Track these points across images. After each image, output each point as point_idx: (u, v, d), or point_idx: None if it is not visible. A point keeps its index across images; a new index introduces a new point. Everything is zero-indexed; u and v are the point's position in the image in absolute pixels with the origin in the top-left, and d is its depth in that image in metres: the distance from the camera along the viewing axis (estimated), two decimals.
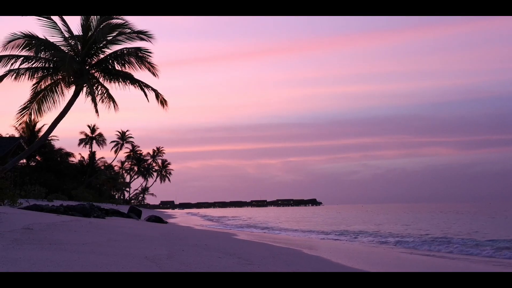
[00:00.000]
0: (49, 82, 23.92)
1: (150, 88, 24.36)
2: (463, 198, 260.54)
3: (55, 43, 23.39)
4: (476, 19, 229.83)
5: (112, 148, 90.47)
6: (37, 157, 64.67)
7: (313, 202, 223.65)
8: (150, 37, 23.66)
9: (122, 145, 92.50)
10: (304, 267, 10.08)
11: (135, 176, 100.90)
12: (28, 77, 23.27)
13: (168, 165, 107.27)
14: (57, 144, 70.09)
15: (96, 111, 23.51)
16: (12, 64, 22.73)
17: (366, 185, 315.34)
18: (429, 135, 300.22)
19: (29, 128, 53.52)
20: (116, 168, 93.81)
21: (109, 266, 6.95)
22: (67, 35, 23.63)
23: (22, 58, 22.85)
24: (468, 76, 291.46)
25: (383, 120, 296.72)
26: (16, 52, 22.71)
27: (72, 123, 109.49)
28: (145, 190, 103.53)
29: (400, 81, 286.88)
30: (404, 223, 39.34)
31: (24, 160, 58.20)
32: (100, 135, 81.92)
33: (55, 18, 23.29)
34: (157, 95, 24.43)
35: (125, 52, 23.84)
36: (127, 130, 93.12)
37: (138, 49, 23.79)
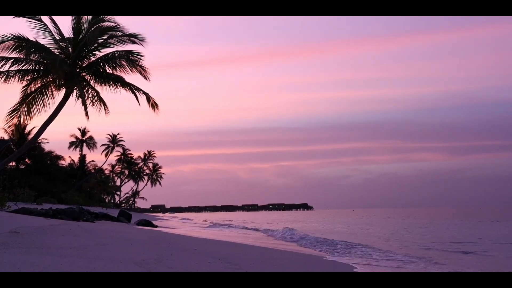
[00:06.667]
0: (39, 84, 23.71)
1: (141, 91, 24.23)
2: (453, 203, 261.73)
3: (45, 45, 23.19)
4: (467, 26, 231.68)
5: (103, 151, 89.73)
6: (26, 160, 64.09)
7: (304, 207, 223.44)
8: (142, 40, 23.55)
9: (113, 148, 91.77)
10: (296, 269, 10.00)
11: (126, 180, 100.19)
12: (18, 79, 23.07)
13: (159, 169, 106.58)
14: (47, 147, 69.49)
15: (86, 114, 23.34)
16: (1, 66, 22.55)
17: (357, 189, 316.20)
18: (420, 140, 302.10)
19: (19, 130, 53.21)
20: (106, 171, 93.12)
21: (96, 270, 6.84)
22: (58, 38, 23.45)
23: (12, 60, 22.65)
24: (459, 82, 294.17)
25: (375, 125, 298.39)
26: (6, 54, 22.52)
27: (62, 126, 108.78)
28: (135, 193, 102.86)
29: (392, 86, 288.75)
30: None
31: (13, 163, 57.68)
32: (91, 138, 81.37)
33: (46, 20, 23.11)
34: (148, 98, 24.30)
35: (116, 55, 23.68)
36: (118, 133, 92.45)
37: (130, 52, 23.65)
